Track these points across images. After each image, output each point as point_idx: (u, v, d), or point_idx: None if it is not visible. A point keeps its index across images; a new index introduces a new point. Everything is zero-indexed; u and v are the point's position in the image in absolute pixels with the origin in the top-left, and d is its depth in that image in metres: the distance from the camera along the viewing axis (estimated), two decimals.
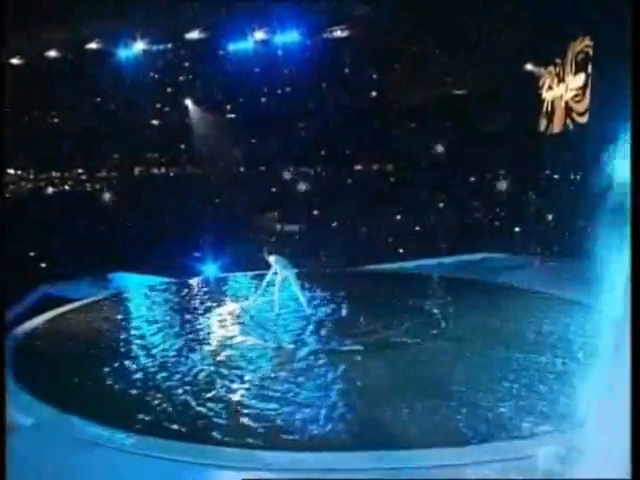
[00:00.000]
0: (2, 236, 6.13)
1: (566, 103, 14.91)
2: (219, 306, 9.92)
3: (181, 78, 19.33)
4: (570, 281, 9.19)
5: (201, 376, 6.51)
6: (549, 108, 16.05)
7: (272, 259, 9.62)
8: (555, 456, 4.25)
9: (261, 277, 12.72)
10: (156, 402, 5.77)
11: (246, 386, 6.19)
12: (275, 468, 4.64)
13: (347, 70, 19.76)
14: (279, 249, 16.01)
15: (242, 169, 21.92)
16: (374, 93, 20.38)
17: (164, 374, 6.57)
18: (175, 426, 5.27)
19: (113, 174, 20.48)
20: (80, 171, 20.23)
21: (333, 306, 9.98)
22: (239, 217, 19.10)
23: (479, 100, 17.75)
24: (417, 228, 18.12)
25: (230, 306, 9.90)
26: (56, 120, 18.86)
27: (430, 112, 18.87)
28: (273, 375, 6.55)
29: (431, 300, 9.97)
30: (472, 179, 19.76)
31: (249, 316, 9.42)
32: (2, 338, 5.25)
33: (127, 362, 7.01)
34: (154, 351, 7.45)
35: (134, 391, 6.06)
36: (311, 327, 8.61)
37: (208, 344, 7.77)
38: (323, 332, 8.33)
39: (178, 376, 6.52)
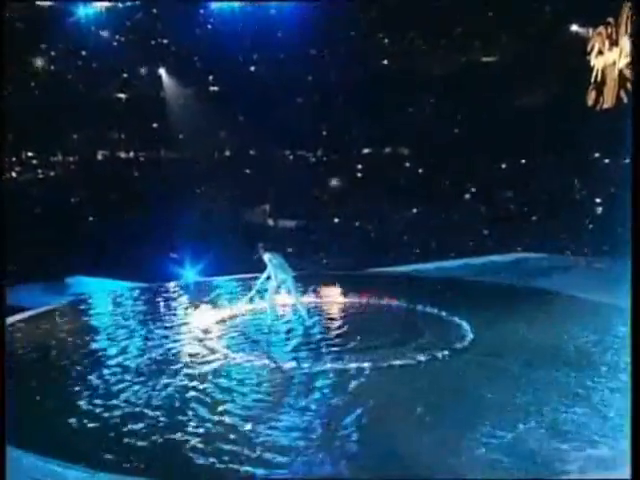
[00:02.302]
0: None
1: (620, 71, 14.79)
2: (199, 316, 9.89)
3: (153, 42, 19.30)
4: (622, 287, 9.13)
5: (177, 401, 6.46)
6: (599, 78, 15.93)
7: (267, 257, 9.53)
8: None
9: (249, 281, 12.81)
10: (122, 432, 5.71)
11: (232, 412, 6.14)
12: None
13: (353, 34, 19.72)
14: (272, 248, 16.20)
15: (227, 153, 21.90)
16: (386, 61, 20.36)
17: (132, 399, 6.52)
18: (144, 461, 5.22)
19: (71, 158, 20.46)
20: (30, 154, 20.19)
21: (336, 316, 9.95)
22: (223, 211, 19.09)
23: (513, 69, 17.71)
24: (437, 224, 18.11)
25: (212, 316, 9.86)
26: None
27: (454, 84, 18.82)
28: (264, 399, 6.51)
29: (455, 309, 9.92)
30: (504, 165, 19.75)
31: (236, 328, 9.39)
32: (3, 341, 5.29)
33: (89, 384, 6.96)
34: (120, 371, 7.40)
35: (97, 420, 6.01)
36: (311, 341, 8.58)
37: (185, 362, 7.73)
38: (325, 347, 8.28)
39: (149, 401, 6.47)
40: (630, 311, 4.17)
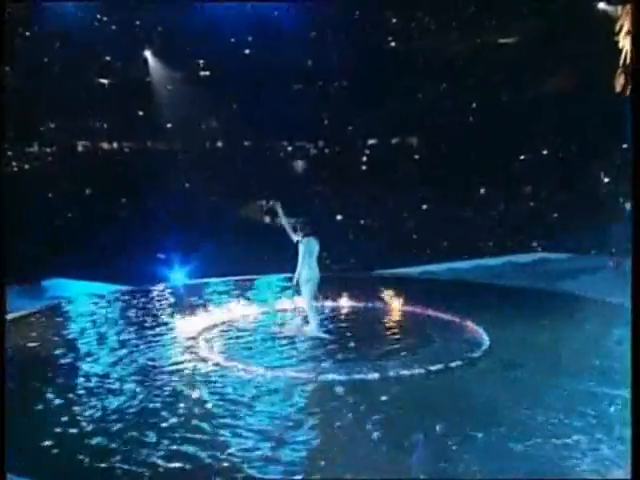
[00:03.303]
0: None
1: None
2: (189, 322, 9.86)
3: (138, 22, 19.28)
4: None
5: (166, 418, 6.41)
6: (628, 61, 15.97)
7: (302, 246, 8.87)
8: None
9: (244, 284, 12.80)
10: (102, 455, 5.63)
11: (225, 430, 6.10)
12: None
13: (358, 13, 19.68)
14: (267, 249, 16.15)
15: (220, 144, 21.87)
16: (393, 43, 20.31)
17: (116, 416, 6.47)
18: None
19: (48, 149, 20.44)
20: (2, 146, 20.19)
21: (339, 322, 9.92)
22: (216, 207, 19.05)
23: (533, 51, 17.66)
24: (450, 221, 18.07)
25: (203, 322, 9.85)
26: None
27: (468, 68, 18.80)
28: (261, 414, 6.46)
29: (469, 314, 9.89)
30: (523, 156, 19.71)
31: (229, 334, 9.37)
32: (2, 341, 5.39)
33: (68, 399, 6.92)
34: (103, 383, 7.36)
35: (77, 440, 5.94)
36: (311, 350, 8.55)
37: (176, 373, 7.68)
38: (327, 355, 8.26)
39: (134, 417, 6.42)
40: (630, 311, 4.33)
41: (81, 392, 7.09)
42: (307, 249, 8.94)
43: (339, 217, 19.00)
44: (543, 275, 13.27)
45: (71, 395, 7.00)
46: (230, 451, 5.58)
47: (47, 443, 5.80)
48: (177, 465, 5.36)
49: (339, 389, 7.05)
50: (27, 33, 18.24)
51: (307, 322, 9.28)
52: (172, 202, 17.38)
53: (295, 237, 9.09)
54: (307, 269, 8.94)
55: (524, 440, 5.69)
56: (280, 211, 9.40)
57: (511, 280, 12.85)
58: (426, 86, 19.79)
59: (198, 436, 5.91)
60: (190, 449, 5.64)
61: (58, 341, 9.16)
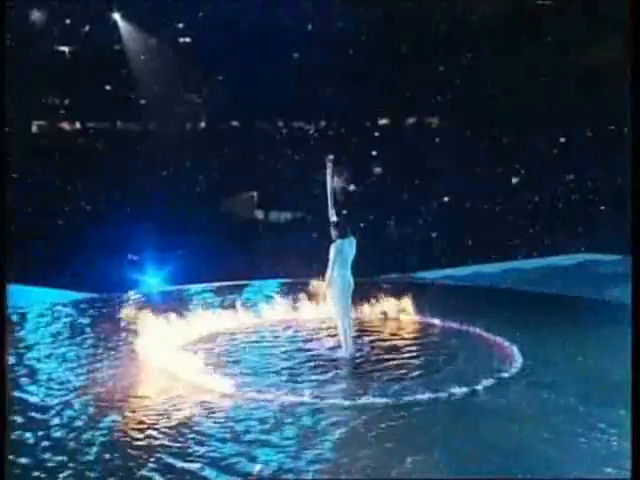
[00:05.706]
0: None
1: None
2: (166, 336, 9.87)
3: None
4: None
5: (141, 449, 6.41)
6: None
7: (335, 247, 8.51)
8: None
9: (230, 290, 12.80)
10: None
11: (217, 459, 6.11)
12: None
13: None
14: (260, 250, 16.17)
15: (202, 124, 21.93)
16: (409, 3, 20.29)
17: (77, 446, 6.46)
18: None
19: None
20: None
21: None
22: (197, 200, 19.10)
23: (576, 11, 17.67)
24: (475, 216, 18.10)
25: (181, 336, 9.86)
26: None
27: (500, 32, 18.80)
28: (251, 444, 6.46)
29: (498, 326, 9.88)
30: (563, 139, 19.73)
31: (211, 351, 9.39)
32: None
33: (23, 422, 6.93)
34: (63, 411, 7.36)
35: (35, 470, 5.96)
36: (313, 369, 8.56)
37: (153, 397, 7.69)
38: (328, 377, 8.24)
39: (99, 449, 6.43)
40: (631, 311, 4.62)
41: (37, 418, 7.10)
42: (340, 253, 8.60)
43: (344, 211, 19.02)
44: (588, 281, 13.28)
45: (22, 421, 7.01)
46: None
47: None
48: None
49: (345, 415, 7.06)
50: None
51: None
52: (146, 193, 17.44)
53: (332, 213, 8.96)
54: (339, 279, 8.62)
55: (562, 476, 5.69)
56: (330, 170, 9.10)
57: (550, 287, 12.87)
58: (449, 54, 19.78)
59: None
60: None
61: (13, 357, 9.17)
